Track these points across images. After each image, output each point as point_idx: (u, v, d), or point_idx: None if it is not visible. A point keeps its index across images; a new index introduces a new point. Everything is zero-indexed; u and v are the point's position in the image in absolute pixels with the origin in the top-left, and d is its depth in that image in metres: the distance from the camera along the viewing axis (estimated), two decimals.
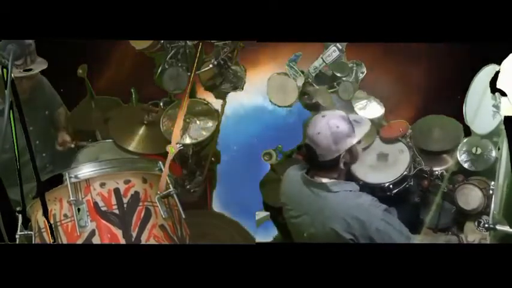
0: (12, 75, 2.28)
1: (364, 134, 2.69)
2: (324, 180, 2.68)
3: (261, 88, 3.68)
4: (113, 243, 2.56)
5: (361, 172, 3.29)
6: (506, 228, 2.59)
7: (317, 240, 2.73)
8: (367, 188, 3.18)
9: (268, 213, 3.65)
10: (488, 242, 2.81)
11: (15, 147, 2.36)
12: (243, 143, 3.89)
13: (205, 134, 3.56)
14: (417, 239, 2.67)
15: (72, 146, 3.56)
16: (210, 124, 3.60)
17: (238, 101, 3.85)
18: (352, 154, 2.67)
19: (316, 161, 2.67)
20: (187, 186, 3.71)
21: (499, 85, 2.78)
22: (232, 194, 3.87)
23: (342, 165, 2.65)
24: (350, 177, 2.80)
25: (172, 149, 2.80)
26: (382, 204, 2.64)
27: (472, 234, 3.04)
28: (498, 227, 2.59)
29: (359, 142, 2.69)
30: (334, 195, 2.64)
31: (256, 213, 3.64)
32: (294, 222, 2.81)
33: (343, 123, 2.62)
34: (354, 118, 2.75)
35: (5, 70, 2.29)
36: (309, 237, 2.73)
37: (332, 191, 2.64)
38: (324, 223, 2.62)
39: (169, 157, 2.76)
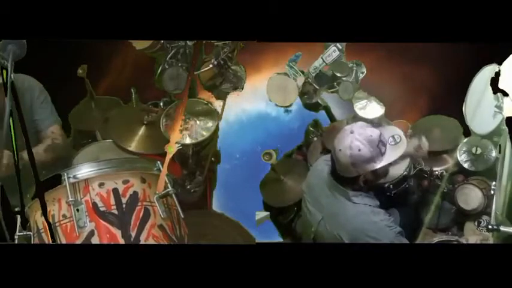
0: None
1: (396, 158, 2.58)
2: (347, 187, 2.63)
3: (263, 93, 3.68)
4: (112, 243, 2.56)
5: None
6: (510, 229, 2.58)
7: (321, 239, 2.73)
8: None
9: (268, 213, 3.65)
10: (491, 242, 2.81)
11: (15, 147, 2.36)
12: (245, 150, 3.88)
13: (205, 134, 3.56)
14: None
15: None
16: (210, 124, 3.59)
17: (240, 107, 3.85)
18: (376, 174, 2.60)
19: (336, 172, 2.63)
20: (188, 186, 3.70)
21: (500, 85, 2.78)
22: (233, 194, 3.87)
23: (361, 183, 2.59)
24: (373, 189, 2.73)
25: (170, 148, 2.80)
26: (397, 227, 2.60)
27: (473, 235, 3.04)
28: (502, 228, 2.57)
29: (390, 164, 2.59)
30: (353, 206, 2.60)
31: (256, 213, 3.64)
32: (306, 213, 2.80)
33: (367, 146, 2.50)
34: (393, 134, 2.62)
35: (4, 71, 2.29)
36: (315, 233, 2.72)
37: (352, 201, 2.60)
38: (334, 227, 2.61)
39: (168, 157, 2.76)
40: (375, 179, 2.63)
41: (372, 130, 2.56)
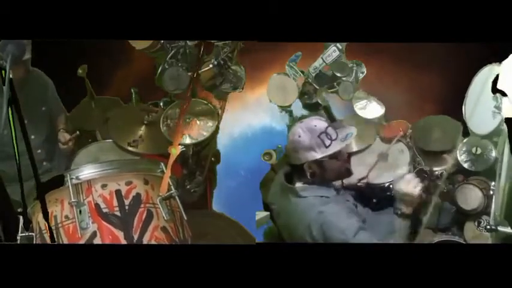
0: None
1: (336, 150, 2.59)
2: (298, 184, 2.65)
3: (267, 104, 3.69)
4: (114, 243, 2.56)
5: (362, 172, 3.28)
6: (508, 229, 2.59)
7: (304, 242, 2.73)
8: (368, 188, 3.18)
9: (268, 213, 3.64)
10: (489, 243, 2.82)
11: (15, 147, 2.35)
12: (250, 167, 3.88)
13: (205, 134, 3.56)
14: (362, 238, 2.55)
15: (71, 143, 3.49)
16: (210, 124, 3.59)
17: (246, 122, 3.86)
18: (323, 168, 2.61)
19: (287, 168, 2.68)
20: (188, 186, 3.70)
21: (499, 86, 2.78)
22: (233, 194, 3.87)
23: (308, 176, 2.60)
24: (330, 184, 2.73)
25: (174, 150, 2.80)
26: (351, 215, 2.58)
27: (472, 235, 3.05)
28: (500, 228, 2.59)
29: (347, 163, 2.63)
30: (302, 201, 2.61)
31: (256, 213, 3.64)
32: (276, 222, 2.82)
33: (307, 134, 2.56)
34: (348, 132, 2.63)
35: (3, 72, 2.29)
36: (289, 239, 2.73)
37: (300, 196, 2.61)
38: (295, 228, 2.62)
39: (172, 159, 2.76)
40: (322, 172, 2.62)
41: (319, 122, 2.62)
